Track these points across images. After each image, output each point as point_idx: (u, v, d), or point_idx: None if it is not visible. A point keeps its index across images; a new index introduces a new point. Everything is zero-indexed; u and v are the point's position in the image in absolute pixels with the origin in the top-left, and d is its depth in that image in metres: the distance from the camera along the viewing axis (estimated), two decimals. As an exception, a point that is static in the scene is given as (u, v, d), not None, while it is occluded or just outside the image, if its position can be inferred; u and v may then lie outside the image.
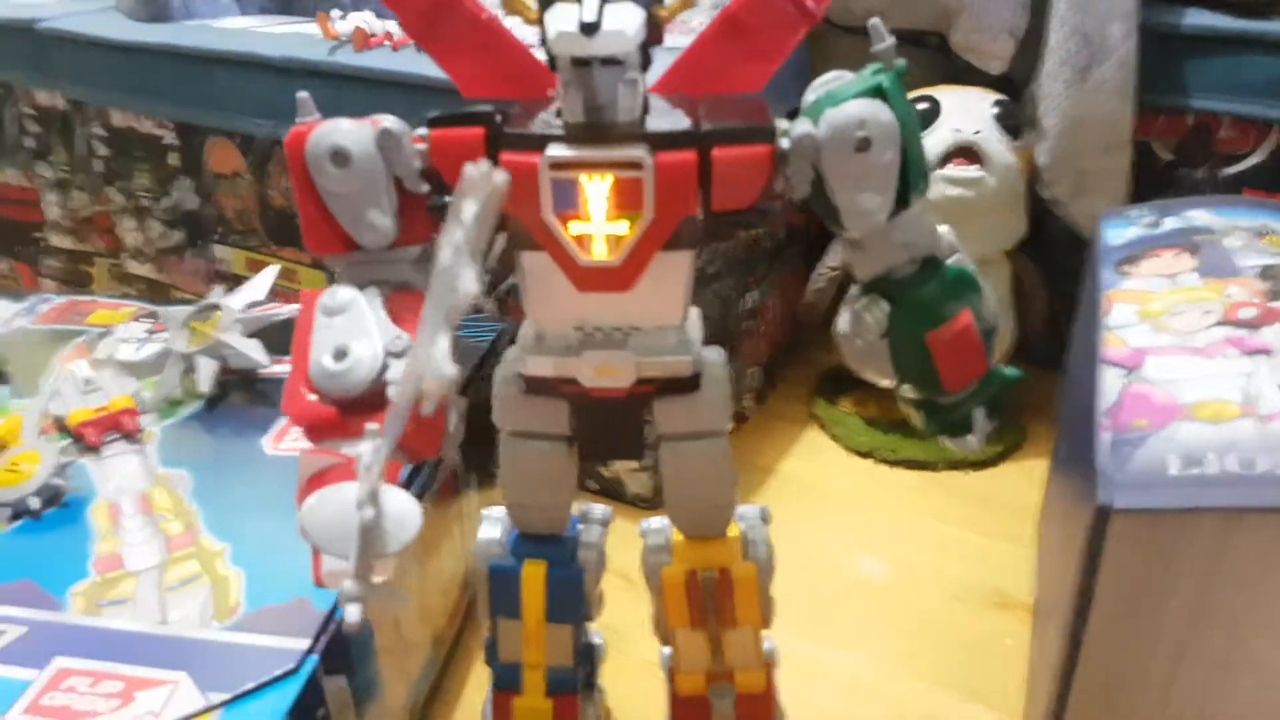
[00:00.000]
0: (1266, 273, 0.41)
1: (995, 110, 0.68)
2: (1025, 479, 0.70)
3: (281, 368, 0.57)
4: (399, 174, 0.32)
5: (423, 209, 0.33)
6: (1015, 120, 0.69)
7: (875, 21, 0.32)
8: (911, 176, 0.32)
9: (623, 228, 0.30)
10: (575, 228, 0.31)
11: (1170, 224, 0.48)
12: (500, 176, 0.19)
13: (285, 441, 0.51)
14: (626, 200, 0.30)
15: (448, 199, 0.32)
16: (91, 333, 0.62)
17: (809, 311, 0.77)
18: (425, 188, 0.32)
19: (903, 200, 0.32)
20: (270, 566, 0.41)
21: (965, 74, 0.71)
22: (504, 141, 0.31)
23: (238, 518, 0.45)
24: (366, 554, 0.26)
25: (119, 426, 0.51)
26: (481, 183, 0.19)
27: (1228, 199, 0.54)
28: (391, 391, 0.23)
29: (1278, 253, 0.43)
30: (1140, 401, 0.35)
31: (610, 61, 0.29)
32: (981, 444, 0.38)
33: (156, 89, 0.77)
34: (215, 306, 0.56)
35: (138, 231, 0.88)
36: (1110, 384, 0.36)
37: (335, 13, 0.71)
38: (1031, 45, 0.69)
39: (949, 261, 0.35)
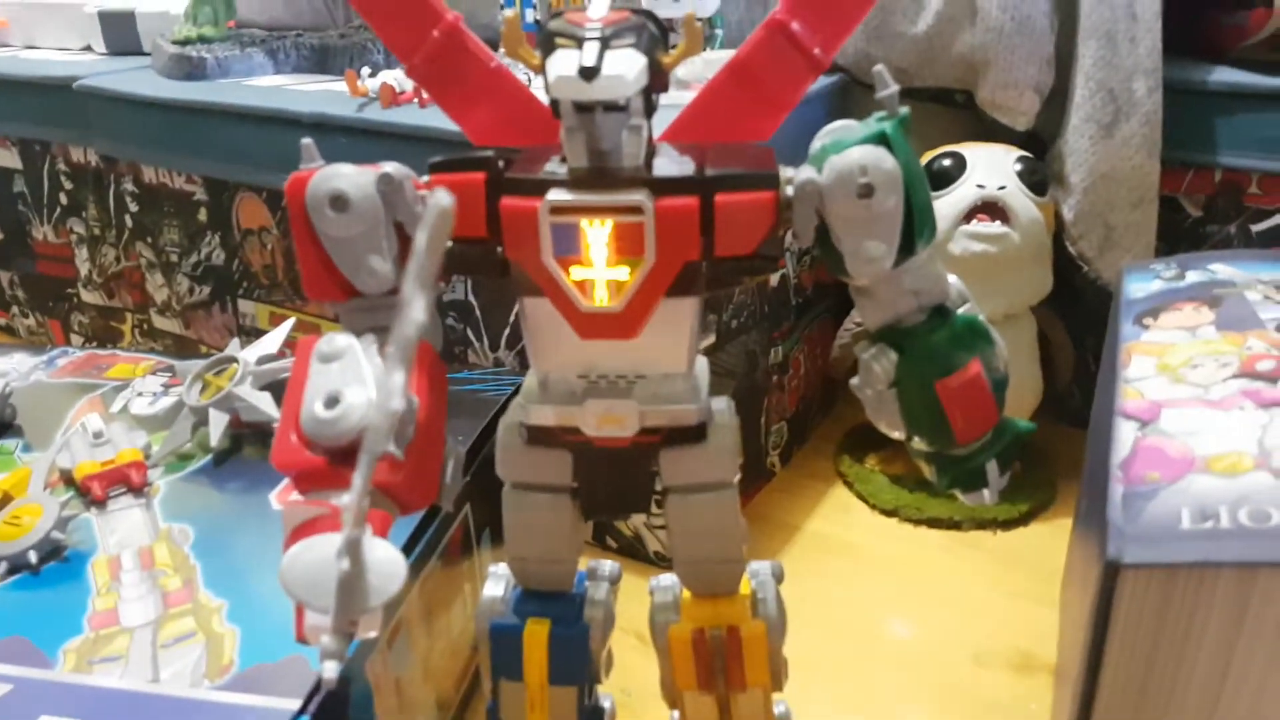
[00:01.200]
0: (1290, 326, 0.40)
1: (1019, 166, 0.68)
2: (1053, 538, 0.68)
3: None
4: (400, 219, 0.31)
5: (423, 256, 0.32)
6: (1040, 176, 0.68)
7: (879, 69, 0.31)
8: (917, 223, 0.31)
9: (624, 273, 0.30)
10: (577, 273, 0.30)
11: (1193, 277, 0.47)
12: (444, 198, 0.19)
13: (294, 496, 0.50)
14: (627, 245, 0.30)
15: (449, 244, 0.31)
16: (108, 386, 0.62)
17: (836, 366, 0.76)
18: (425, 234, 0.32)
19: (909, 247, 0.32)
20: (266, 624, 0.41)
21: (991, 131, 0.71)
22: (505, 186, 0.30)
23: (238, 573, 0.44)
24: (346, 608, 0.25)
25: (126, 480, 0.51)
26: (429, 210, 0.19)
27: (1251, 253, 0.53)
28: (365, 437, 0.22)
29: (1305, 306, 0.42)
30: (1154, 454, 0.34)
31: (613, 107, 0.29)
32: (995, 498, 0.36)
33: (188, 145, 0.78)
34: (230, 359, 0.56)
35: (165, 287, 0.90)
36: (1125, 437, 0.35)
37: (365, 70, 0.73)
38: (1057, 102, 0.69)
39: (959, 311, 0.34)
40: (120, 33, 1.00)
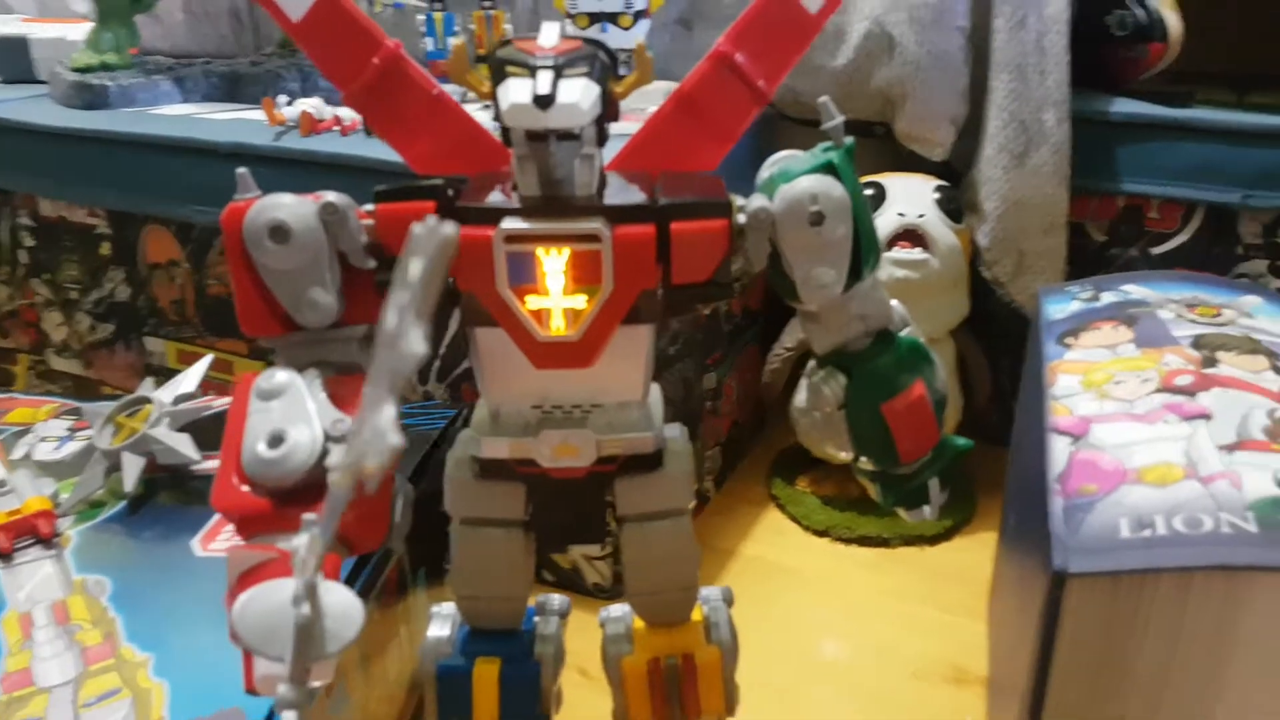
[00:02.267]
0: (1198, 342, 0.42)
1: (937, 195, 0.70)
2: (977, 552, 0.69)
3: (213, 463, 0.54)
4: (344, 249, 0.31)
5: (368, 287, 0.31)
6: (956, 204, 0.71)
7: (825, 100, 0.32)
8: (864, 250, 0.32)
9: (581, 301, 0.30)
10: (532, 302, 0.30)
11: (1107, 298, 0.50)
12: (449, 228, 0.19)
13: (217, 542, 0.48)
14: (585, 273, 0.29)
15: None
16: (8, 432, 0.59)
17: (767, 391, 0.77)
18: (371, 263, 0.31)
19: (856, 273, 0.32)
20: (198, 677, 0.38)
21: (909, 161, 0.73)
22: (457, 215, 0.30)
23: (162, 625, 0.42)
24: (303, 656, 0.24)
25: (33, 530, 0.48)
26: (428, 238, 0.18)
27: (1159, 274, 0.56)
28: (332, 475, 0.21)
29: (1208, 323, 0.44)
30: (1088, 468, 0.35)
31: (566, 136, 0.29)
32: (936, 514, 0.37)
33: (92, 176, 0.75)
34: (144, 400, 0.54)
35: (65, 325, 0.85)
36: (1059, 452, 0.37)
37: (282, 98, 0.71)
38: (970, 132, 0.72)
39: (901, 334, 0.35)
40: (12, 60, 0.96)
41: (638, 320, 0.31)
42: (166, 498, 0.52)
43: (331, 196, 0.30)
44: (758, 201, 0.31)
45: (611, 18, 0.72)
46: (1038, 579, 0.32)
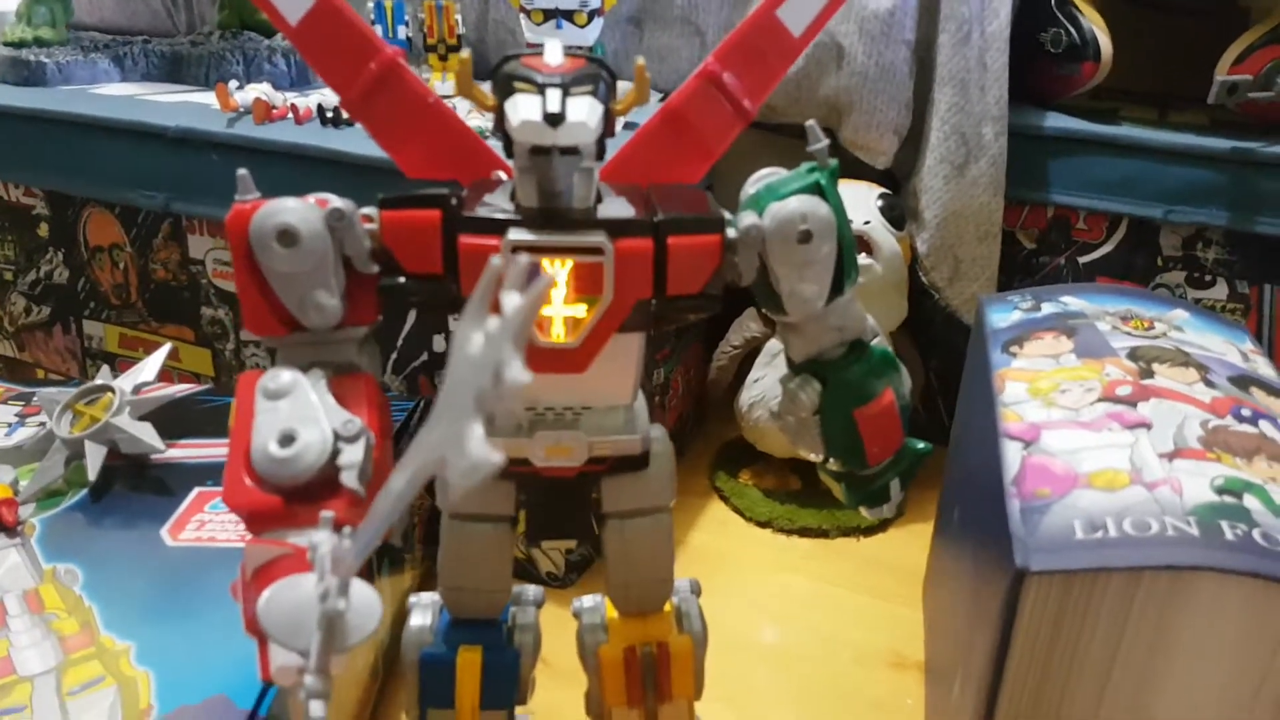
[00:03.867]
0: (1134, 353, 0.45)
1: (880, 203, 0.73)
2: (910, 543, 0.73)
3: (176, 452, 0.54)
4: (349, 254, 0.31)
5: (370, 289, 0.32)
6: (899, 211, 0.74)
7: (812, 123, 0.34)
8: (845, 266, 0.34)
9: (581, 311, 0.31)
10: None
11: (1047, 308, 0.53)
12: (549, 275, 0.20)
13: (186, 531, 0.48)
14: (586, 284, 0.31)
15: (401, 279, 0.32)
16: (-47, 417, 0.57)
17: (713, 387, 0.79)
18: (375, 268, 0.32)
19: (837, 288, 0.34)
20: (181, 665, 0.39)
21: (852, 168, 0.76)
22: (461, 225, 0.31)
23: (140, 614, 0.42)
24: (330, 648, 0.25)
25: (-4, 518, 0.47)
26: (523, 277, 0.19)
27: (1094, 287, 0.59)
28: (395, 482, 0.22)
29: (1142, 335, 0.48)
30: (1041, 472, 0.38)
31: (569, 151, 0.30)
32: (894, 511, 0.40)
33: (30, 156, 0.73)
34: (104, 388, 0.53)
35: (-2, 306, 0.83)
36: (1012, 456, 0.39)
37: (233, 84, 0.70)
38: (911, 143, 0.75)
39: (873, 344, 0.37)
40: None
41: (630, 329, 0.33)
42: (126, 486, 0.52)
43: (338, 202, 0.31)
44: (749, 219, 0.33)
45: (568, 15, 0.72)
46: (994, 574, 0.35)
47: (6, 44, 0.80)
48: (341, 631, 0.25)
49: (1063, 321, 0.50)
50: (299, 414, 0.30)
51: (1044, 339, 0.48)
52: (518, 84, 0.30)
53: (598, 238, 0.31)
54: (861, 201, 0.72)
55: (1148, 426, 0.38)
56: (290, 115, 0.69)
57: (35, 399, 0.58)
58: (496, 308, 0.20)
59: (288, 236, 0.30)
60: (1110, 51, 0.73)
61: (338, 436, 0.30)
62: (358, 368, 0.33)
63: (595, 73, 0.31)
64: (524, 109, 0.29)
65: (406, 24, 0.79)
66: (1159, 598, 0.31)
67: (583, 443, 0.34)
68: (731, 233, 0.33)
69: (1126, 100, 0.81)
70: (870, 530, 0.75)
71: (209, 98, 0.75)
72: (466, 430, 0.19)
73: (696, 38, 0.85)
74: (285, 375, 0.31)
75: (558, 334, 0.31)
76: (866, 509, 0.40)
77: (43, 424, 0.54)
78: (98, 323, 0.78)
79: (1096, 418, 0.39)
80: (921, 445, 0.39)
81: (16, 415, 0.58)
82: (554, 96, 0.29)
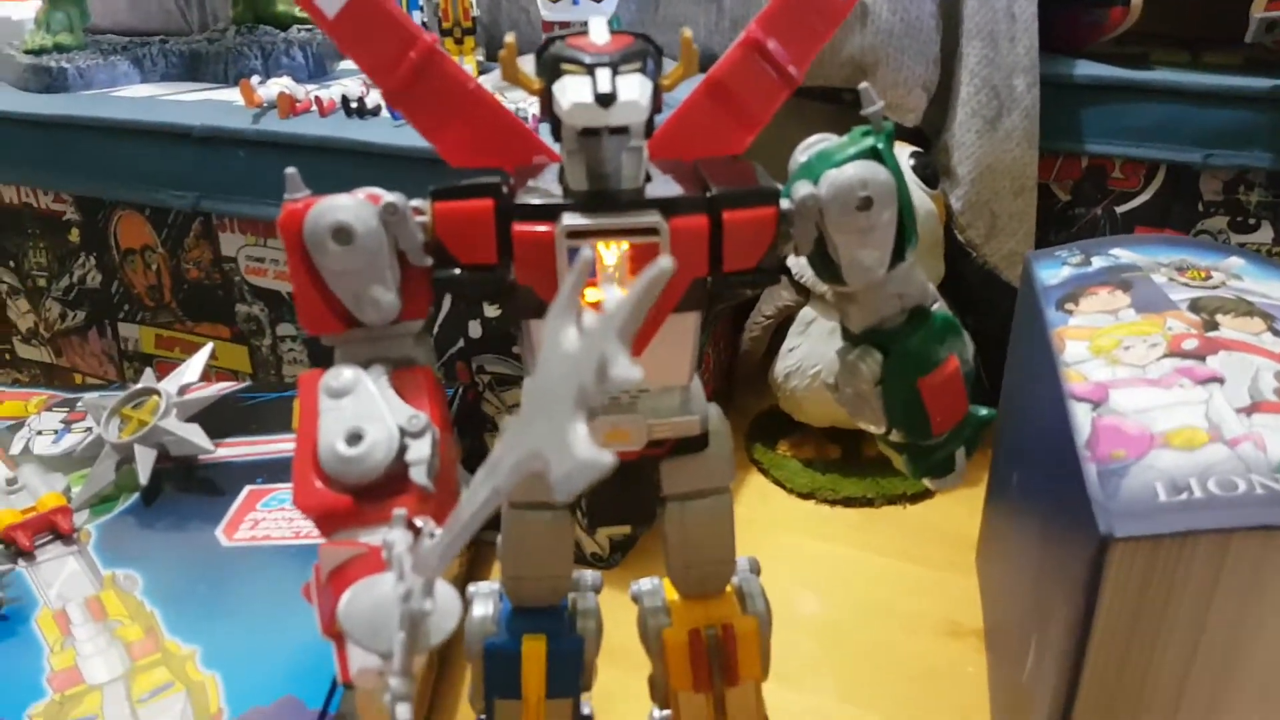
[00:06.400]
0: (1196, 305, 0.44)
1: (912, 161, 0.71)
2: (959, 509, 0.72)
3: (223, 451, 0.54)
4: (403, 248, 0.31)
5: (424, 283, 0.32)
6: (932, 169, 0.72)
7: (865, 86, 0.33)
8: (906, 231, 0.33)
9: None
10: (590, 294, 0.31)
11: (1098, 262, 0.51)
12: (667, 261, 0.19)
13: (241, 530, 0.48)
14: (642, 265, 0.30)
15: (457, 271, 0.31)
16: (1, 427, 0.57)
17: (747, 359, 0.78)
18: (429, 261, 0.31)
19: (899, 254, 0.34)
20: (247, 666, 0.39)
21: (880, 127, 0.75)
22: (515, 213, 0.30)
23: (203, 618, 0.42)
24: (414, 648, 0.25)
25: (53, 527, 0.47)
26: (653, 272, 0.19)
27: (1142, 238, 0.58)
28: (482, 484, 0.22)
29: (1201, 286, 0.46)
30: (1114, 433, 0.37)
31: (618, 130, 0.30)
32: (960, 481, 0.39)
33: (58, 162, 0.73)
34: (149, 391, 0.53)
35: (32, 313, 0.83)
36: (1081, 418, 0.38)
37: (255, 79, 0.69)
38: (940, 98, 0.73)
39: (934, 309, 0.36)
40: (-52, 36, 0.91)
41: (686, 308, 0.32)
42: (177, 489, 0.52)
43: (391, 197, 0.30)
44: (805, 188, 0.32)
45: (585, -11, 0.71)
46: (1070, 541, 0.34)
47: (27, 52, 0.80)
48: (424, 632, 0.25)
49: (1116, 275, 0.49)
50: (364, 411, 0.30)
51: (1099, 294, 0.47)
52: (565, 65, 0.30)
53: (652, 217, 0.30)
54: (894, 162, 0.71)
55: (1220, 381, 0.37)
56: (314, 108, 0.68)
57: (80, 405, 0.58)
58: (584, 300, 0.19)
59: (343, 234, 0.30)
60: (1139, -4, 0.71)
61: (403, 432, 0.29)
62: (415, 361, 0.32)
63: (643, 49, 0.30)
64: (573, 91, 0.29)
65: (421, 9, 0.78)
66: (1250, 559, 0.30)
67: (641, 426, 0.34)
68: (786, 204, 0.32)
69: (1156, 44, 0.79)
70: (916, 497, 0.74)
71: (231, 94, 0.74)
72: (569, 429, 0.18)
73: (713, 5, 0.83)
74: (347, 373, 0.31)
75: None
76: (932, 481, 0.39)
77: (89, 430, 0.54)
78: (133, 325, 0.78)
79: (1165, 374, 0.38)
80: (985, 411, 0.38)
81: (62, 422, 0.58)
82: (604, 76, 0.29)
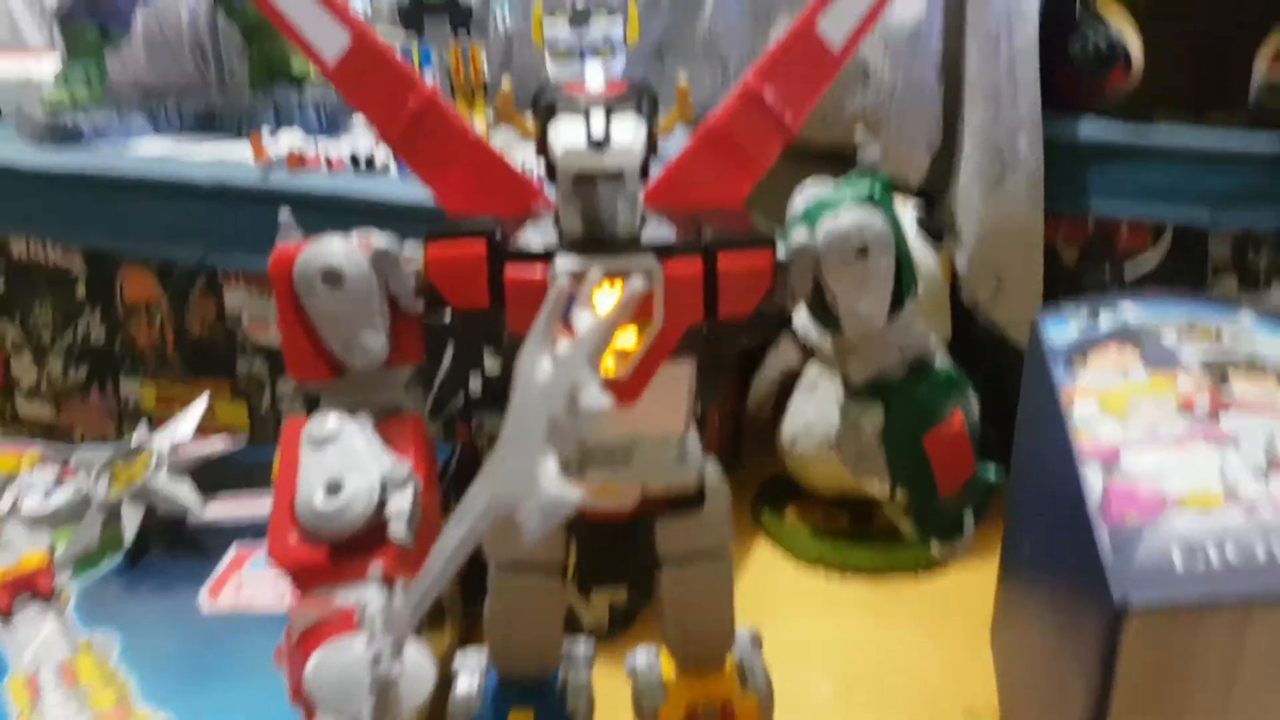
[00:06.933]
0: (1207, 364, 0.43)
1: (916, 215, 0.71)
2: (974, 581, 0.69)
3: (214, 510, 0.53)
4: (395, 292, 0.30)
5: (415, 328, 0.31)
6: (936, 226, 0.72)
7: (861, 133, 0.33)
8: (904, 280, 0.33)
9: (630, 338, 0.30)
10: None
11: (1106, 319, 0.50)
12: (639, 283, 0.18)
13: (225, 593, 0.47)
14: (637, 310, 0.29)
15: (447, 316, 0.31)
16: (-11, 482, 0.57)
17: (752, 420, 0.77)
18: (421, 305, 0.31)
19: (898, 303, 0.33)
20: (222, 735, 0.37)
21: (884, 187, 0.75)
22: (507, 256, 0.30)
23: (178, 683, 0.41)
24: (383, 716, 0.24)
25: (32, 587, 0.46)
26: (629, 291, 0.18)
27: (1151, 294, 0.57)
28: (452, 531, 0.21)
29: (1211, 344, 0.45)
30: (1126, 495, 0.35)
31: (613, 175, 0.29)
32: (968, 547, 0.38)
33: (68, 215, 0.73)
34: (141, 448, 0.52)
35: (35, 369, 0.82)
36: (1092, 480, 0.37)
37: (265, 128, 0.70)
38: (944, 158, 0.73)
39: (936, 362, 0.35)
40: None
41: (681, 355, 0.31)
42: (165, 548, 0.51)
43: (382, 240, 0.30)
44: (801, 235, 0.31)
45: (593, 52, 0.72)
46: (1084, 611, 0.33)
47: (45, 109, 0.81)
48: (395, 698, 0.24)
49: (1125, 333, 0.47)
50: (346, 461, 0.29)
51: (1108, 352, 0.46)
52: (560, 109, 0.29)
53: (647, 261, 0.29)
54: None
55: (1234, 441, 0.35)
56: (323, 164, 0.68)
57: (72, 461, 0.57)
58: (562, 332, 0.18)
59: (333, 277, 0.30)
60: (1141, 55, 0.71)
61: (385, 483, 0.28)
62: (404, 409, 0.31)
63: (637, 93, 0.30)
64: (567, 134, 0.29)
65: (433, 69, 0.80)
66: (1275, 632, 0.28)
67: (635, 480, 0.33)
68: (782, 251, 0.31)
69: (1159, 102, 0.79)
70: (929, 568, 0.72)
71: (243, 149, 0.74)
72: (539, 465, 0.17)
73: (719, 67, 0.84)
74: (331, 421, 0.30)
75: (607, 365, 0.30)
76: (939, 546, 0.38)
77: (80, 487, 0.53)
78: (134, 381, 0.78)
79: (1178, 434, 0.37)
80: (994, 472, 0.37)
81: (54, 478, 0.57)
82: (598, 121, 0.28)
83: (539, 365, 0.18)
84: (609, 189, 0.30)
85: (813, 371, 0.74)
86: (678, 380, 0.32)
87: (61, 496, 0.54)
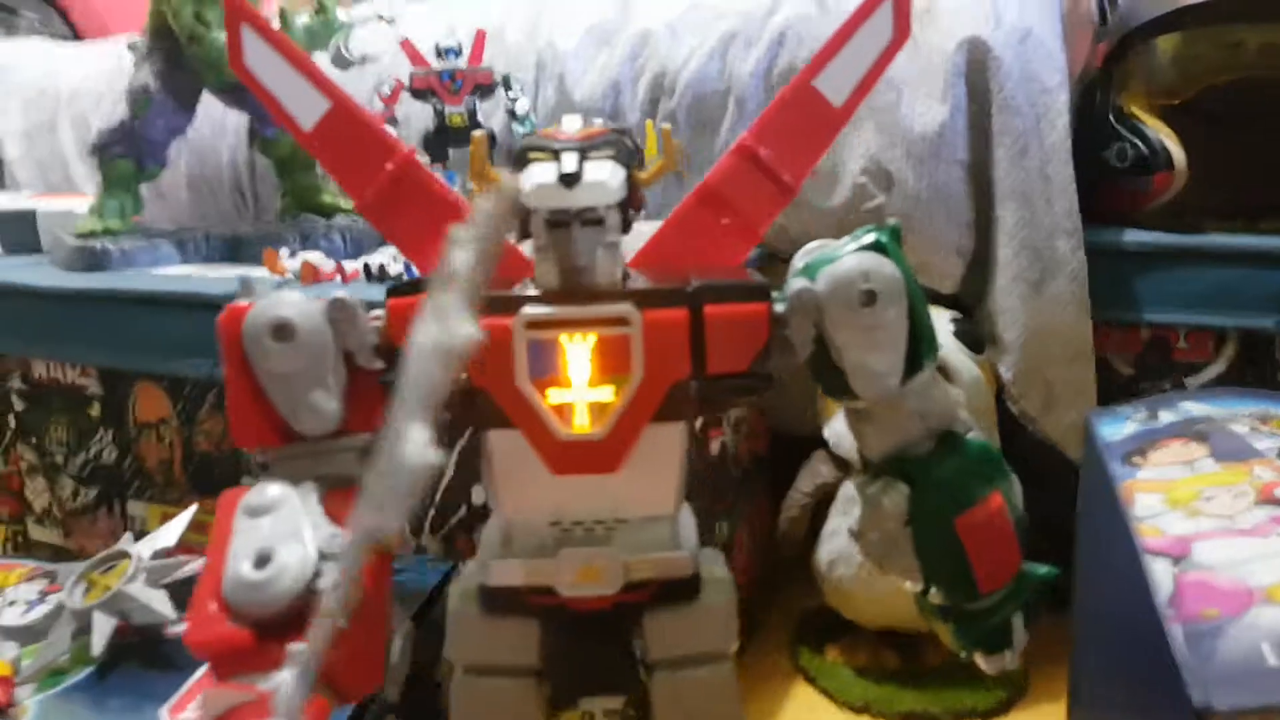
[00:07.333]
0: (1287, 454, 0.38)
1: (953, 326, 0.68)
2: (1040, 722, 0.62)
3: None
4: (351, 348, 0.28)
5: (373, 391, 0.29)
6: (976, 334, 0.68)
7: (864, 180, 0.30)
8: (920, 337, 0.29)
9: (608, 394, 0.27)
10: (554, 395, 0.27)
11: (1167, 417, 0.46)
12: (519, 180, 0.16)
13: (186, 712, 0.42)
14: (612, 361, 0.26)
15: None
16: (-26, 597, 0.54)
17: (785, 542, 0.71)
18: (379, 364, 0.28)
19: (913, 364, 0.29)
20: None
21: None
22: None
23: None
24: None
25: (-14, 701, 0.42)
26: (500, 198, 0.15)
27: (1216, 391, 0.52)
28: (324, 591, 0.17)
29: (1287, 436, 0.41)
30: (1203, 589, 0.31)
31: (590, 221, 0.27)
32: (1017, 660, 0.33)
33: (85, 335, 0.74)
34: (121, 555, 0.49)
35: (48, 492, 0.81)
36: (1161, 575, 0.32)
37: (284, 250, 0.70)
38: (978, 264, 0.70)
39: (968, 436, 0.31)
40: (18, 232, 0.96)
41: (669, 418, 0.28)
42: (137, 662, 0.47)
43: (340, 293, 0.28)
44: (799, 282, 0.28)
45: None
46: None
47: (77, 235, 0.82)
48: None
49: (1190, 428, 0.43)
50: (280, 531, 0.25)
51: (1171, 446, 0.42)
52: (532, 154, 0.28)
53: (623, 306, 0.26)
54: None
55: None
56: (338, 277, 0.68)
57: (59, 577, 0.54)
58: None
59: (284, 331, 0.27)
60: (1184, 159, 0.68)
61: (322, 555, 0.25)
62: (356, 481, 0.28)
63: (616, 138, 0.28)
64: (538, 173, 0.26)
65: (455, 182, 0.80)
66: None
67: (617, 563, 0.29)
68: (780, 303, 0.28)
69: (1208, 214, 0.76)
70: (989, 713, 0.64)
71: (262, 271, 0.75)
72: (406, 428, 0.14)
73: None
74: (272, 489, 0.27)
75: (580, 423, 0.27)
76: (984, 658, 0.33)
77: (61, 600, 0.50)
78: (141, 502, 0.76)
79: (1260, 522, 0.33)
80: (1044, 570, 0.32)
81: (39, 593, 0.54)
82: (570, 158, 0.27)
83: (426, 330, 0.15)
84: (585, 235, 0.27)
85: (849, 487, 0.69)
86: (667, 447, 0.29)
87: (40, 611, 0.51)
